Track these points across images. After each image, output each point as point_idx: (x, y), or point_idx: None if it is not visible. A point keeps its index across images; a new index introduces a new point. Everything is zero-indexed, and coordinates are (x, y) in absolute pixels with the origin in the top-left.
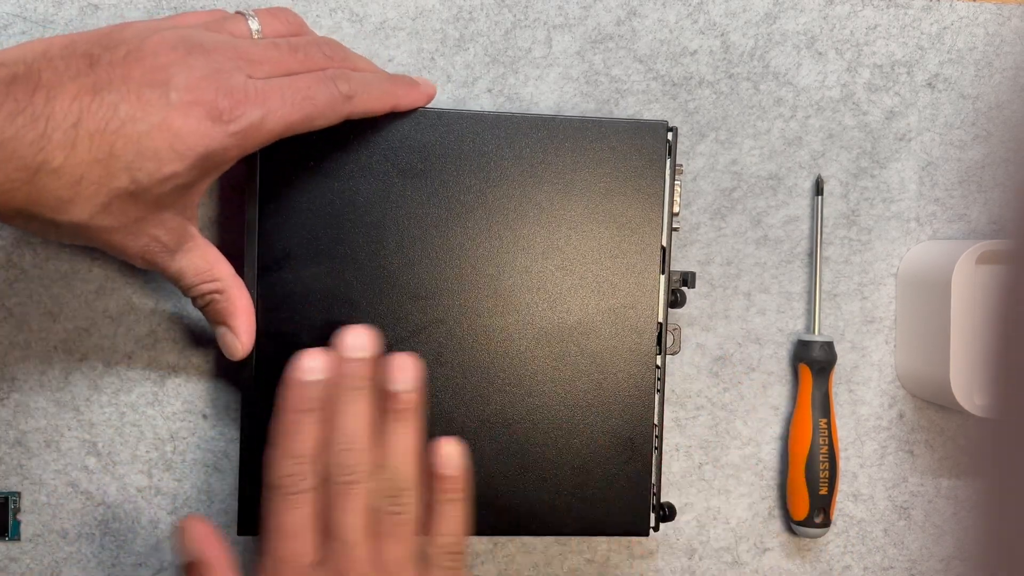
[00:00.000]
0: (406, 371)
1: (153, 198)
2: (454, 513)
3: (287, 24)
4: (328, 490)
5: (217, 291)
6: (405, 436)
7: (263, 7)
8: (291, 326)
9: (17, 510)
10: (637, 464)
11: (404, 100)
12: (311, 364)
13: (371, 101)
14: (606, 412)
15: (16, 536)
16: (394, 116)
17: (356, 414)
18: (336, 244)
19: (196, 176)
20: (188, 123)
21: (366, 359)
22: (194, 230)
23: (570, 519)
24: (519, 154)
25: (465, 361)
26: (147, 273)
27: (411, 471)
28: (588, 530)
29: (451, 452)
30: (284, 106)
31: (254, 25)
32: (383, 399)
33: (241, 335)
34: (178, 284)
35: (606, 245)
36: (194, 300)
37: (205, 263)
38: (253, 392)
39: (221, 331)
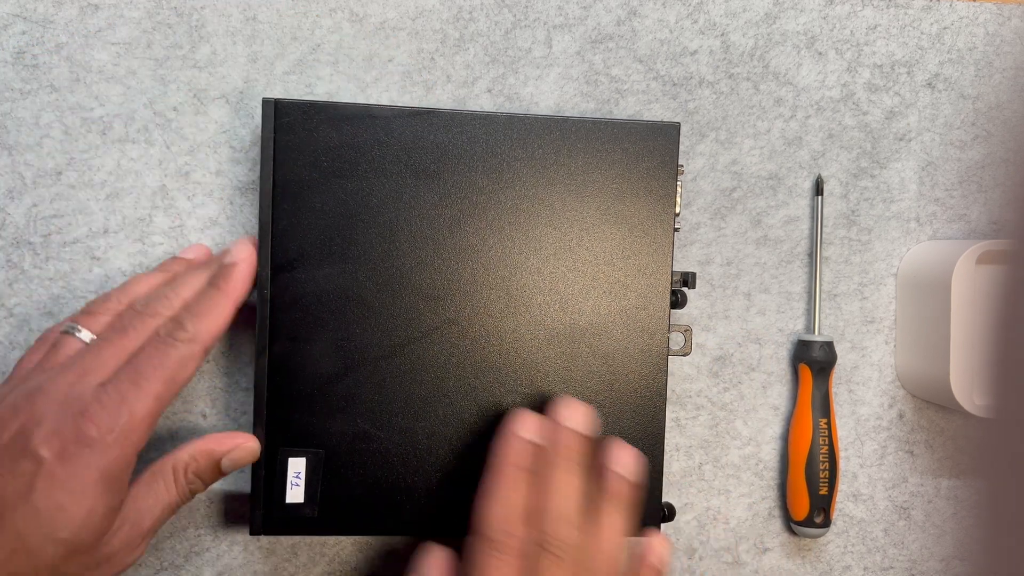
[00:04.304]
0: (627, 456)
1: (95, 536)
2: None
3: (108, 311)
4: (535, 554)
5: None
6: (617, 519)
7: (79, 312)
8: (304, 326)
9: None
10: (648, 465)
11: (233, 287)
12: (529, 425)
13: (213, 321)
14: (617, 413)
15: None
16: (407, 117)
17: (571, 485)
18: (349, 245)
19: (114, 497)
20: (68, 472)
21: (583, 434)
22: (133, 493)
23: None
24: (531, 155)
25: (477, 362)
26: None
27: (618, 555)
28: None
29: (663, 550)
30: (142, 389)
31: (83, 336)
32: (598, 478)
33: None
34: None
35: (618, 246)
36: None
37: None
38: (266, 393)
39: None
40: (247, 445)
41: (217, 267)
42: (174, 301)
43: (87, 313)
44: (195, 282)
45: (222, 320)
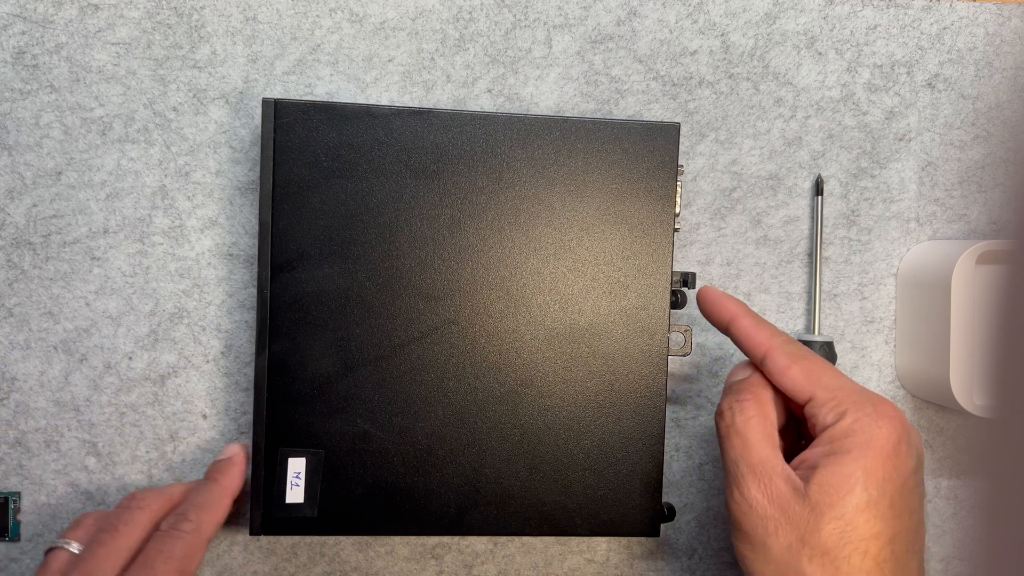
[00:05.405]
0: None
1: None
2: None
3: (94, 519)
4: None
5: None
6: None
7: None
8: (304, 326)
9: (17, 510)
10: (648, 465)
11: (230, 480)
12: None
13: (214, 512)
14: (617, 413)
15: (16, 536)
16: (407, 117)
17: None
18: (349, 245)
19: None
20: None
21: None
22: None
23: (581, 520)
24: (531, 155)
25: (477, 362)
26: (147, 274)
27: None
28: (599, 531)
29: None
30: None
31: (71, 548)
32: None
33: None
34: None
35: (618, 246)
36: None
37: None
38: (266, 393)
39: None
40: None
41: (212, 463)
42: (165, 492)
43: (72, 527)
44: (180, 486)
45: (221, 511)
